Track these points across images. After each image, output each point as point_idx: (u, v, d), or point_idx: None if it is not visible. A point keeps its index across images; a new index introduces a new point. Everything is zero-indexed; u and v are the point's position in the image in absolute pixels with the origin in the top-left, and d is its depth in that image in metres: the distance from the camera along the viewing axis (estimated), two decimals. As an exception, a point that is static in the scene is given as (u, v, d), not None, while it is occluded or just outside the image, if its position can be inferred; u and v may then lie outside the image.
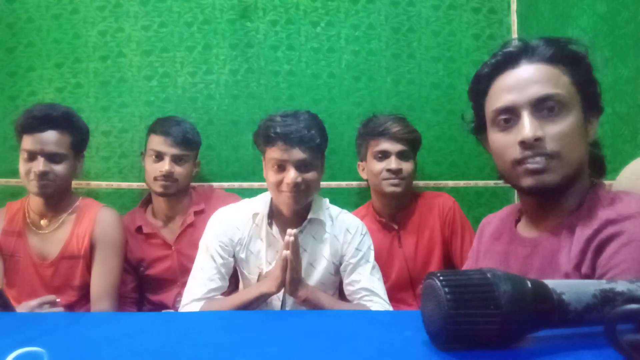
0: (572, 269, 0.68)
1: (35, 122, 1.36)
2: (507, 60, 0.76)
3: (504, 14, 1.88)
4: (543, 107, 0.71)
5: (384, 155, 1.54)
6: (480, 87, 0.81)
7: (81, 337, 0.57)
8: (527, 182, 0.72)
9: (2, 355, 0.47)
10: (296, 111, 1.27)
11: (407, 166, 1.54)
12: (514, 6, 1.88)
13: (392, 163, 1.52)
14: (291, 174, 1.20)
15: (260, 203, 1.34)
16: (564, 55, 0.73)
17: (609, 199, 0.71)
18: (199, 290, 1.26)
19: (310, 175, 1.23)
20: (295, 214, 1.29)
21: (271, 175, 1.24)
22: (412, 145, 1.56)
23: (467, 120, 0.88)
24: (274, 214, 1.32)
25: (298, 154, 1.20)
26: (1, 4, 1.83)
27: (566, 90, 0.72)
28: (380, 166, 1.54)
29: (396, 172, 1.52)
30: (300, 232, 1.30)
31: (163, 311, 1.56)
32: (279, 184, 1.22)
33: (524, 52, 0.75)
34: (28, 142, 1.37)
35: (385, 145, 1.53)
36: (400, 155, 1.53)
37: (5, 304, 0.97)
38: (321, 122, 1.29)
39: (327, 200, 1.39)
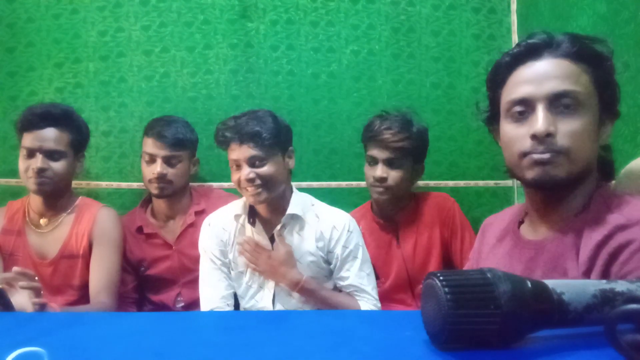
0: (581, 275, 0.66)
1: (35, 119, 1.37)
2: (530, 52, 0.75)
3: (504, 14, 1.88)
4: (559, 103, 0.71)
5: (373, 161, 1.49)
6: (499, 76, 0.80)
7: (81, 337, 0.57)
8: (532, 173, 0.72)
9: (2, 355, 0.47)
10: (251, 110, 1.32)
11: (394, 174, 1.46)
12: (514, 6, 1.87)
13: (378, 170, 1.46)
14: (245, 171, 1.25)
15: (240, 204, 1.39)
16: (588, 54, 0.72)
17: (616, 201, 0.70)
18: (212, 297, 1.32)
19: (265, 169, 1.26)
20: (272, 211, 1.34)
21: (232, 175, 1.31)
22: (403, 152, 1.46)
23: (481, 109, 0.86)
24: (254, 214, 1.36)
25: (247, 151, 1.25)
26: (1, 4, 1.83)
27: (585, 88, 0.71)
28: (369, 172, 1.50)
29: (380, 180, 1.46)
30: (283, 228, 1.34)
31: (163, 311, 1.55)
32: (238, 183, 1.28)
33: (548, 46, 0.74)
34: (27, 140, 1.38)
35: (374, 151, 1.48)
36: (388, 163, 1.47)
37: (7, 304, 0.97)
38: (277, 118, 1.31)
39: (310, 197, 1.42)
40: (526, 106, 0.73)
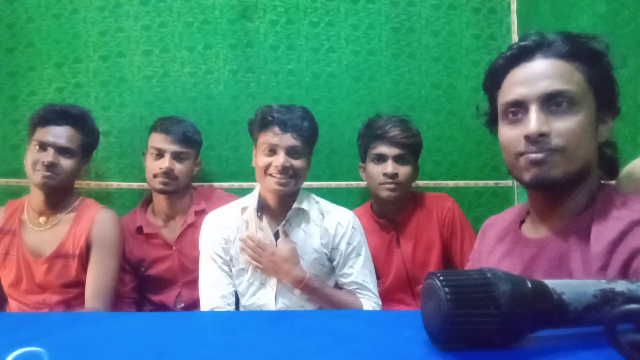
0: (596, 271, 0.66)
1: (54, 115, 1.42)
2: (522, 54, 0.75)
3: (504, 14, 1.88)
4: (552, 102, 0.71)
5: (381, 158, 1.52)
6: (494, 79, 0.80)
7: (81, 337, 0.57)
8: (529, 174, 0.72)
9: (2, 355, 0.47)
10: (291, 105, 1.35)
11: (404, 170, 1.52)
12: (514, 6, 1.87)
13: (389, 167, 1.50)
14: (281, 158, 1.26)
15: (249, 197, 1.39)
16: (581, 52, 0.72)
17: (621, 199, 0.70)
18: (212, 296, 1.31)
19: (299, 162, 1.29)
20: (281, 205, 1.34)
21: (261, 160, 1.29)
22: (411, 149, 1.54)
23: (481, 112, 0.87)
24: (262, 207, 1.36)
25: (290, 139, 1.27)
26: (1, 4, 1.83)
27: (578, 87, 0.71)
28: (377, 169, 1.52)
29: (392, 177, 1.50)
30: (289, 224, 1.34)
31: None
32: (267, 167, 1.28)
33: (540, 46, 0.74)
34: (41, 133, 1.41)
35: (383, 148, 1.51)
36: (398, 159, 1.51)
37: None
38: (314, 118, 1.36)
39: (313, 195, 1.43)
40: (520, 107, 0.74)
